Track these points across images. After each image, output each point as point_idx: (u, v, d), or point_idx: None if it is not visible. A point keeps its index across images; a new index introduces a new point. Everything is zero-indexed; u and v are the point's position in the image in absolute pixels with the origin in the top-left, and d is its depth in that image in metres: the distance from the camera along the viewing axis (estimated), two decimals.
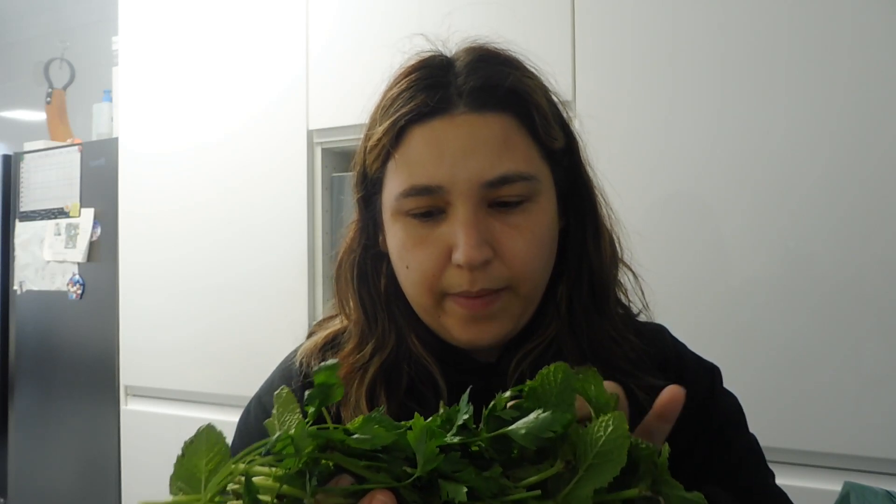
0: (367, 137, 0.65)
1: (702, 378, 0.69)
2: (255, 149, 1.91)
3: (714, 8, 1.34)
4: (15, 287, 2.53)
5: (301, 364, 0.69)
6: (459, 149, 0.59)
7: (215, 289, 1.96)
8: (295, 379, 0.68)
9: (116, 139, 2.22)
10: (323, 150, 1.83)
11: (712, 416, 0.66)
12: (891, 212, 1.20)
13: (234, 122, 1.95)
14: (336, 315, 0.72)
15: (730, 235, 1.32)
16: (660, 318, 0.76)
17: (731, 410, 0.69)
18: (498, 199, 0.60)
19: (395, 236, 0.63)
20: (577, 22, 1.47)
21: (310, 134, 1.83)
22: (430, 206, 0.60)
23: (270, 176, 1.88)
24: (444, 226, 0.60)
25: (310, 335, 0.74)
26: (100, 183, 2.28)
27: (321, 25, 1.83)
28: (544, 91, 0.65)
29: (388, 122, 0.61)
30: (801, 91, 1.27)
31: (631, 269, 0.71)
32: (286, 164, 1.85)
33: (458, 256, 0.58)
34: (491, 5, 1.55)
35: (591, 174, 0.69)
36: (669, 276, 1.34)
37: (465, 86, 0.61)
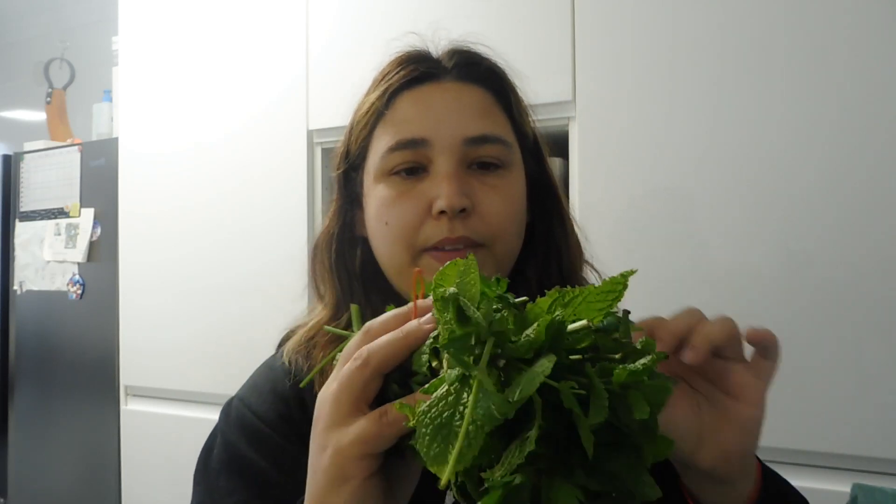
0: (357, 110, 0.70)
1: None
2: (255, 149, 1.91)
3: (714, 8, 1.34)
4: (15, 287, 2.53)
5: (289, 363, 0.68)
6: (445, 108, 0.65)
7: (215, 289, 1.96)
8: (287, 377, 0.67)
9: (116, 139, 2.22)
10: (323, 150, 1.83)
11: None
12: (890, 211, 1.20)
13: (234, 122, 1.95)
14: (308, 322, 0.72)
15: (729, 234, 1.32)
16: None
17: None
18: (478, 159, 0.64)
19: (377, 197, 0.65)
20: (577, 22, 1.47)
21: (310, 134, 1.83)
22: (414, 162, 0.64)
23: (270, 176, 1.88)
24: (426, 182, 0.64)
25: (282, 342, 0.73)
26: (100, 183, 2.28)
27: (321, 25, 1.83)
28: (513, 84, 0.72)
29: (379, 91, 0.67)
30: (800, 91, 1.27)
31: (595, 270, 0.74)
32: (286, 164, 1.85)
33: (441, 203, 0.61)
34: (491, 5, 1.55)
35: (553, 177, 0.74)
36: (668, 275, 1.34)
37: (451, 62, 0.68)
